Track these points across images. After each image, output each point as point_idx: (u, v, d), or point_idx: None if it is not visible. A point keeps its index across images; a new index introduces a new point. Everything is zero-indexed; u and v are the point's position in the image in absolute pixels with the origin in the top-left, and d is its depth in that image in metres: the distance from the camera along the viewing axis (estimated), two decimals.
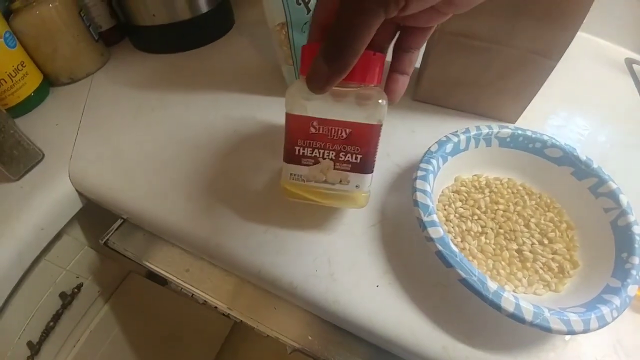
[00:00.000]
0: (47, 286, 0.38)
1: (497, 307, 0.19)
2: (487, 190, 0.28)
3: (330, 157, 0.23)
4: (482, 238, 0.25)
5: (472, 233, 0.25)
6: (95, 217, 0.36)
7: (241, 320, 0.28)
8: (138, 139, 0.34)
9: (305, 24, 0.30)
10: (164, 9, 0.44)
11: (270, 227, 0.26)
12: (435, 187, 0.27)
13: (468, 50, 0.30)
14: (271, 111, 0.36)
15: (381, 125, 0.22)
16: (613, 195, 0.24)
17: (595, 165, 0.26)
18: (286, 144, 0.24)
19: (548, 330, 0.18)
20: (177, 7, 0.44)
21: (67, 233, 0.39)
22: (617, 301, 0.20)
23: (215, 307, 0.29)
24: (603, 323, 0.19)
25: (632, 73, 0.47)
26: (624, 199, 0.24)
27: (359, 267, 0.24)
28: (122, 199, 0.30)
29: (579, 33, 0.26)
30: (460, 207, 0.27)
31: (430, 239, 0.21)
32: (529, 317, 0.19)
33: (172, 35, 0.46)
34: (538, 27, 0.27)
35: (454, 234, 0.25)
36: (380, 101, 0.21)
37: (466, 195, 0.27)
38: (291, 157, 0.24)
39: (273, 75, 0.39)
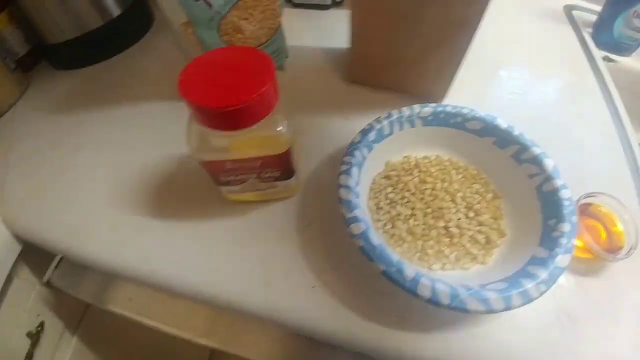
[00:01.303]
0: (12, 329, 0.37)
1: (415, 295, 0.19)
2: (416, 171, 0.28)
3: (253, 176, 0.24)
4: (411, 221, 0.25)
5: (401, 217, 0.25)
6: (39, 254, 0.35)
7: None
8: (64, 169, 0.32)
9: (211, 19, 0.28)
10: (72, 21, 0.40)
11: (202, 245, 0.26)
12: (366, 177, 0.26)
13: (387, 26, 0.29)
14: None
15: (289, 150, 0.22)
16: (536, 161, 0.25)
17: (516, 133, 0.26)
18: (209, 175, 0.24)
19: (466, 311, 0.19)
20: (85, 16, 0.40)
21: (17, 276, 0.37)
22: (543, 274, 0.20)
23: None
24: (527, 299, 0.19)
25: (572, 20, 0.47)
26: (549, 163, 0.24)
27: (295, 272, 0.24)
28: (49, 237, 0.28)
29: None
30: (391, 192, 0.27)
31: (353, 236, 0.21)
32: (445, 300, 0.19)
33: (87, 47, 0.42)
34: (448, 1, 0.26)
35: (384, 221, 0.25)
36: (280, 130, 0.21)
37: (396, 179, 0.27)
38: (219, 183, 0.25)
39: None
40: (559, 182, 0.23)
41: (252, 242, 0.26)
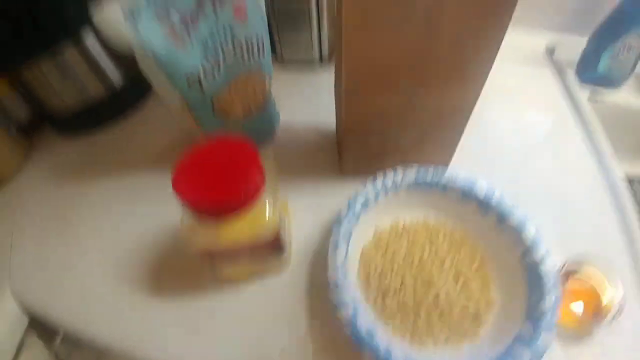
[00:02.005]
0: None
1: None
2: (404, 237, 0.28)
3: (246, 258, 0.25)
4: (401, 294, 0.25)
5: (391, 290, 0.26)
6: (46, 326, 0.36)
7: None
8: (67, 243, 0.33)
9: (204, 101, 0.30)
10: (75, 93, 0.42)
11: (198, 326, 0.26)
12: (355, 247, 0.27)
13: (378, 125, 0.28)
14: None
15: (277, 232, 0.23)
16: (517, 229, 0.25)
17: (496, 199, 0.27)
18: (202, 259, 0.25)
19: None
20: (89, 88, 0.42)
21: (26, 347, 0.38)
22: (527, 355, 0.20)
23: None
24: None
25: (554, 61, 0.48)
26: (529, 232, 0.25)
27: (291, 351, 0.25)
28: (53, 314, 0.29)
29: None
30: (380, 260, 0.27)
31: (341, 321, 0.22)
32: None
33: (90, 116, 0.44)
34: (442, 92, 0.25)
35: (375, 295, 0.26)
36: (267, 217, 0.22)
37: (385, 247, 0.28)
38: (212, 264, 0.26)
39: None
40: (541, 253, 0.24)
41: (247, 321, 0.26)
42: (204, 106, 0.30)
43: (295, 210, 0.32)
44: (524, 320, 0.22)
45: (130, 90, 0.45)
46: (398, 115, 0.27)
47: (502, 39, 0.21)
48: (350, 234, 0.26)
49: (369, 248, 0.28)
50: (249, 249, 0.24)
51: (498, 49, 0.22)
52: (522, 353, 0.20)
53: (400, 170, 0.29)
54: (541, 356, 0.20)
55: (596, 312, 0.25)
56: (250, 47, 0.29)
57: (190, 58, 0.27)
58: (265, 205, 0.22)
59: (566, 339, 0.25)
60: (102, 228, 0.34)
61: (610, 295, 0.25)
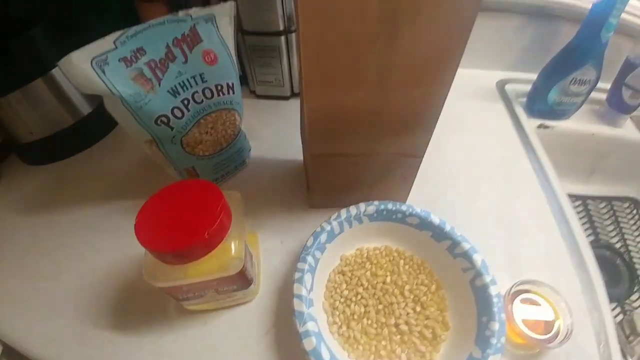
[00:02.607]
0: None
1: None
2: (368, 264, 0.30)
3: (211, 291, 0.25)
4: (365, 320, 0.27)
5: (355, 317, 0.27)
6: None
7: None
8: (34, 275, 0.32)
9: (174, 137, 0.31)
10: (43, 122, 0.42)
11: (164, 355, 0.26)
12: (321, 274, 0.29)
13: (341, 165, 0.30)
14: None
15: (242, 269, 0.24)
16: (467, 256, 0.28)
17: (448, 228, 0.29)
18: (168, 295, 0.25)
19: None
20: (56, 117, 0.42)
21: None
22: None
23: None
24: None
25: (504, 95, 0.53)
26: (477, 258, 0.27)
27: None
28: (23, 343, 0.28)
29: None
30: (345, 288, 0.29)
31: (305, 352, 0.23)
32: None
33: (57, 145, 0.44)
34: (397, 139, 0.28)
35: (340, 323, 0.27)
36: (233, 256, 0.23)
37: (350, 274, 0.30)
38: (178, 300, 0.26)
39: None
40: (487, 278, 0.26)
41: (212, 354, 0.26)
42: (173, 143, 0.31)
43: (264, 240, 0.33)
44: (473, 344, 0.24)
45: (98, 120, 0.46)
46: (356, 159, 0.30)
47: (446, 95, 0.24)
48: (315, 267, 0.28)
49: (334, 275, 0.30)
50: (214, 285, 0.24)
51: (443, 103, 0.24)
52: None
53: (363, 205, 0.31)
54: None
55: (546, 332, 0.27)
56: (220, 88, 0.31)
57: (159, 101, 0.28)
58: (231, 243, 0.23)
59: (514, 356, 0.27)
60: (67, 261, 0.33)
61: (559, 315, 0.27)
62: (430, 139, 0.28)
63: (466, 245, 0.28)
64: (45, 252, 0.34)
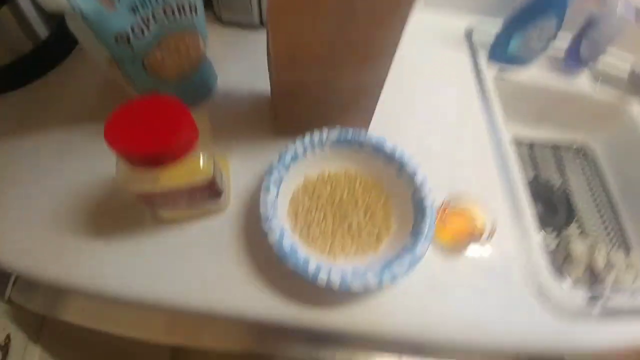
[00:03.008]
0: None
1: (316, 284, 0.26)
2: (329, 183, 0.34)
3: (184, 201, 0.28)
4: (323, 224, 0.32)
5: (315, 221, 0.32)
6: None
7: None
8: (5, 200, 0.34)
9: (135, 58, 0.31)
10: (4, 50, 0.41)
11: (143, 258, 0.30)
12: (286, 191, 0.33)
13: (305, 94, 0.32)
14: None
15: (212, 179, 0.26)
16: (411, 177, 0.32)
17: (397, 154, 0.33)
18: (142, 202, 0.28)
19: (351, 290, 0.26)
20: (18, 44, 0.41)
21: None
22: (407, 259, 0.28)
23: None
24: (395, 280, 0.27)
25: (470, 43, 0.55)
26: (418, 178, 0.32)
27: (227, 273, 0.30)
28: (4, 260, 0.31)
29: (418, 15, 0.29)
30: (307, 201, 0.33)
31: (269, 243, 0.28)
32: (336, 286, 0.26)
33: (18, 71, 0.41)
34: (358, 69, 0.30)
35: (301, 226, 0.32)
36: (202, 164, 0.25)
37: (312, 190, 0.34)
38: (152, 208, 0.29)
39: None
40: (424, 192, 0.31)
41: (188, 252, 0.31)
42: (134, 64, 0.31)
43: (234, 164, 0.36)
44: (409, 237, 0.30)
45: (56, 43, 0.43)
46: (319, 87, 0.32)
47: (403, 30, 0.26)
48: (280, 181, 0.32)
49: (298, 192, 0.34)
50: (186, 193, 0.27)
51: (399, 39, 0.26)
52: (405, 256, 0.28)
53: (325, 130, 0.34)
54: (419, 259, 0.28)
55: (470, 233, 0.33)
56: (181, 8, 0.30)
57: (119, 18, 0.27)
58: (199, 156, 0.25)
59: (445, 254, 0.33)
60: (37, 184, 0.34)
61: (483, 220, 0.33)
62: (388, 70, 0.30)
63: (410, 168, 0.32)
64: (12, 178, 0.35)
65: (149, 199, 0.27)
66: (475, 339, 0.30)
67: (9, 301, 0.36)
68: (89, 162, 0.35)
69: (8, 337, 0.44)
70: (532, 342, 0.31)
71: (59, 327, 0.52)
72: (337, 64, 0.29)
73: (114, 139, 0.22)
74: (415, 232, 0.30)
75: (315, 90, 0.32)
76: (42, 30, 0.42)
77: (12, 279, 0.36)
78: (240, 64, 0.44)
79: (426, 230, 0.29)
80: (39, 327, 0.50)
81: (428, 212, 0.30)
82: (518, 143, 0.61)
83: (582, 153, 0.62)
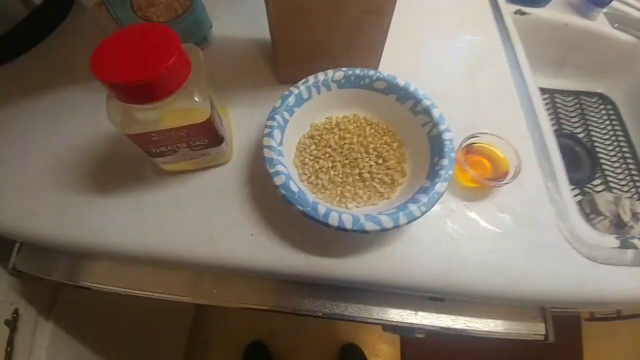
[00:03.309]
0: None
1: (327, 225, 0.24)
2: (336, 129, 0.32)
3: (183, 146, 0.26)
4: (332, 172, 0.30)
5: (323, 169, 0.30)
6: (1, 244, 0.36)
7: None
8: (2, 162, 0.33)
9: None
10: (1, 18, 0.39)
11: (147, 212, 0.29)
12: (292, 137, 0.30)
13: (306, 26, 0.30)
14: None
15: (209, 119, 0.24)
16: (427, 111, 0.29)
17: (412, 89, 0.30)
18: (141, 148, 0.26)
19: (365, 232, 0.24)
20: (11, 11, 0.39)
21: None
22: (424, 198, 0.25)
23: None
24: (411, 217, 0.24)
25: None
26: (435, 112, 0.29)
27: (235, 224, 0.28)
28: (3, 225, 0.30)
29: None
30: (315, 149, 0.31)
31: (276, 187, 0.26)
32: (349, 226, 0.24)
33: (15, 40, 0.41)
34: None
35: (309, 174, 0.30)
36: (196, 101, 0.23)
37: (319, 138, 0.31)
38: (152, 155, 0.27)
39: None
40: (442, 127, 0.28)
41: (194, 204, 0.29)
42: (123, 5, 0.29)
43: (236, 114, 0.34)
44: (425, 178, 0.27)
45: (50, 8, 0.42)
46: (322, 17, 0.29)
47: None
48: (285, 124, 0.29)
49: (304, 139, 0.31)
50: (184, 136, 0.25)
51: None
52: (420, 198, 0.25)
53: (331, 71, 0.31)
54: (436, 200, 0.25)
55: (495, 175, 0.31)
56: None
57: None
58: (194, 90, 0.23)
59: (467, 197, 0.30)
60: (35, 144, 0.33)
61: (507, 161, 0.30)
62: None
63: (427, 102, 0.30)
64: (11, 139, 0.34)
65: (145, 143, 0.25)
66: (499, 285, 0.28)
67: (14, 270, 0.35)
68: (87, 119, 0.33)
69: (16, 312, 0.43)
70: (563, 288, 0.28)
71: (72, 302, 0.51)
72: None
73: (100, 69, 0.20)
74: (433, 171, 0.27)
75: (317, 20, 0.29)
76: None
77: (16, 246, 0.35)
78: (236, 11, 0.41)
79: (444, 168, 0.27)
80: (51, 301, 0.49)
81: (446, 148, 0.27)
82: (541, 93, 0.57)
83: (605, 101, 0.58)
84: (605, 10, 0.52)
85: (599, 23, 0.52)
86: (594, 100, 0.59)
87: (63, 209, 0.29)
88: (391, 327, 0.32)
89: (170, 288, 0.32)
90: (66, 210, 0.29)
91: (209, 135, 0.26)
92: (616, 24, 0.52)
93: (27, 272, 0.35)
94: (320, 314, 0.30)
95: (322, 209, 0.25)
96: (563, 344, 0.75)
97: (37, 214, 0.29)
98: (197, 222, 0.28)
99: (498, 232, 0.29)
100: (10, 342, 0.42)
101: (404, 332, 0.33)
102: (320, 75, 0.31)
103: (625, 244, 0.31)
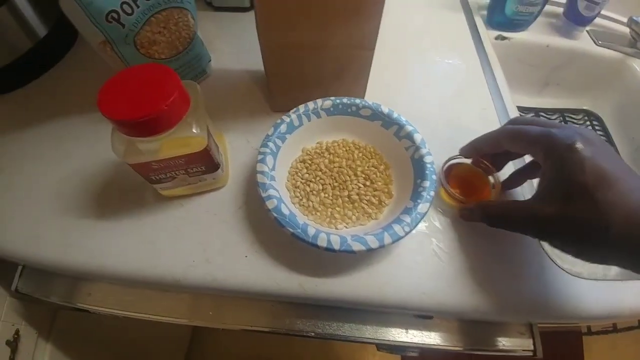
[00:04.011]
0: None
1: (316, 246, 0.26)
2: (326, 153, 0.34)
3: (182, 173, 0.28)
4: (322, 194, 0.31)
5: (314, 192, 0.31)
6: (4, 266, 0.37)
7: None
8: (7, 187, 0.34)
9: (127, 36, 0.31)
10: (4, 49, 0.42)
11: (145, 236, 0.30)
12: (284, 162, 0.32)
13: (296, 59, 0.32)
14: None
15: (206, 147, 0.26)
16: (409, 136, 0.32)
17: (395, 115, 0.33)
18: (141, 175, 0.28)
19: (352, 252, 0.25)
20: (16, 42, 0.42)
21: None
22: (407, 219, 0.27)
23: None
24: (396, 237, 0.26)
25: (466, 6, 0.54)
26: (417, 137, 0.31)
27: (230, 246, 0.30)
28: (8, 248, 0.31)
29: None
30: (306, 173, 0.33)
31: (268, 210, 0.27)
32: (337, 246, 0.25)
33: (17, 71, 0.42)
34: (346, 27, 0.29)
35: (300, 197, 0.31)
36: (194, 132, 0.25)
37: (310, 162, 0.33)
38: (152, 182, 0.29)
39: None
40: (424, 151, 0.30)
41: (190, 228, 0.30)
42: (126, 43, 0.31)
43: (231, 141, 0.36)
44: (408, 199, 0.29)
45: (55, 40, 0.45)
46: (310, 52, 0.31)
47: None
48: (278, 150, 0.31)
49: (296, 163, 0.33)
50: (182, 164, 0.27)
51: None
52: (404, 219, 0.27)
53: (320, 100, 0.33)
54: (419, 220, 0.27)
55: (477, 192, 0.32)
56: None
57: None
58: (192, 122, 0.25)
59: (451, 216, 0.32)
60: (40, 170, 0.35)
61: (489, 181, 0.32)
62: (377, 30, 0.30)
63: (409, 128, 0.32)
64: (15, 166, 0.35)
65: (145, 171, 0.27)
66: (485, 302, 0.29)
67: (17, 292, 0.36)
68: (91, 147, 0.35)
69: (17, 333, 0.44)
70: (549, 304, 0.29)
71: (71, 324, 0.52)
72: (327, 20, 0.28)
73: (106, 107, 0.22)
74: (415, 192, 0.29)
75: (305, 54, 0.32)
76: (40, 29, 0.43)
77: (19, 269, 0.36)
78: (233, 45, 0.44)
79: (426, 189, 0.28)
80: (51, 323, 0.50)
81: (427, 171, 0.29)
82: (523, 111, 0.59)
83: (591, 117, 0.60)
84: (588, 28, 0.53)
85: (582, 41, 0.53)
86: (579, 117, 0.61)
87: (66, 232, 0.31)
88: (385, 346, 0.33)
89: (166, 310, 0.33)
90: (69, 234, 0.31)
91: (206, 162, 0.28)
92: (600, 41, 0.54)
93: (29, 295, 0.36)
94: (312, 334, 0.31)
95: (311, 231, 0.26)
96: (565, 358, 0.74)
97: (40, 238, 0.31)
98: (193, 245, 0.30)
99: (482, 250, 0.31)
100: None
101: (398, 351, 0.33)
102: (310, 104, 0.33)
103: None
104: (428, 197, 0.28)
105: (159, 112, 0.22)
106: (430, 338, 0.31)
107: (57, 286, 0.35)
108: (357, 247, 0.25)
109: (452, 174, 0.33)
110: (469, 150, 0.31)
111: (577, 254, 0.23)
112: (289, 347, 0.88)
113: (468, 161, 0.33)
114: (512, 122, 0.29)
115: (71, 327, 0.51)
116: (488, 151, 0.30)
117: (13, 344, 0.43)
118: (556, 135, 0.23)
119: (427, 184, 0.28)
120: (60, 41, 0.46)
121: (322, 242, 0.26)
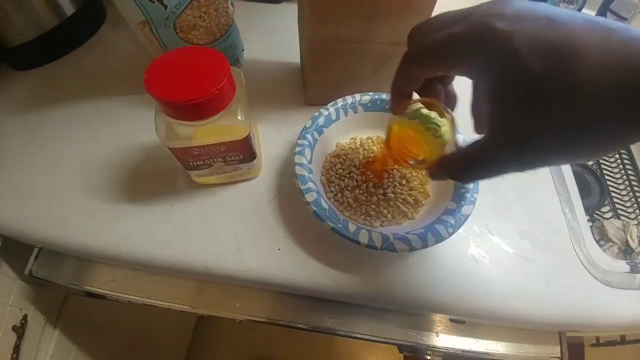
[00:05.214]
0: None
1: (357, 242, 0.25)
2: (361, 149, 0.33)
3: (219, 160, 0.27)
4: (357, 190, 0.31)
5: (349, 188, 0.31)
6: (16, 249, 0.36)
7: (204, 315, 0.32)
8: (35, 165, 0.33)
9: (167, 19, 0.30)
10: (30, 23, 0.41)
11: (177, 222, 0.29)
12: (319, 156, 0.32)
13: (338, 53, 0.31)
14: None
15: (248, 136, 0.26)
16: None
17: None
18: (179, 161, 0.27)
19: (394, 250, 0.25)
20: (42, 18, 0.41)
21: None
22: (451, 220, 0.26)
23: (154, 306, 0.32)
24: (439, 239, 0.25)
25: None
26: (459, 137, 0.31)
27: (263, 238, 0.29)
28: (28, 230, 0.30)
29: None
30: (340, 168, 0.32)
31: (307, 203, 0.26)
32: (379, 244, 0.25)
33: (45, 47, 0.42)
34: (393, 23, 0.29)
35: (335, 192, 0.31)
36: (239, 119, 0.24)
37: (344, 157, 0.33)
38: (188, 168, 0.28)
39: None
40: None
41: (223, 217, 0.30)
42: (166, 26, 0.31)
43: (264, 132, 0.35)
44: (450, 200, 0.28)
45: (82, 20, 0.45)
46: (355, 45, 0.31)
47: None
48: (315, 143, 0.31)
49: (330, 157, 0.33)
50: (222, 152, 0.26)
51: None
52: (447, 220, 0.26)
53: (359, 95, 0.33)
54: (462, 223, 0.26)
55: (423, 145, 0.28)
56: None
57: None
58: (237, 108, 0.25)
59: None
60: (69, 150, 0.34)
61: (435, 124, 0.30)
62: None
63: None
64: (43, 144, 0.34)
65: (185, 156, 0.26)
66: (519, 308, 0.28)
67: (30, 276, 0.35)
68: (120, 130, 0.35)
69: (25, 318, 0.43)
70: (580, 312, 0.29)
71: (80, 311, 0.51)
72: (376, 14, 0.28)
73: (154, 87, 0.21)
74: (458, 194, 0.28)
75: (348, 49, 0.31)
76: (68, 7, 0.43)
77: (35, 252, 0.35)
78: (265, 36, 0.43)
79: (470, 191, 0.28)
80: (59, 309, 0.49)
81: None
82: None
83: None
84: None
85: None
86: None
87: (96, 217, 0.30)
88: (408, 348, 0.32)
89: (175, 297, 0.32)
90: (96, 217, 0.30)
91: (244, 151, 0.28)
92: None
93: (44, 278, 0.35)
94: (341, 332, 0.30)
95: (352, 227, 0.25)
96: None
97: (68, 221, 0.30)
98: (225, 235, 0.29)
99: (519, 256, 0.30)
100: (17, 349, 0.41)
101: (421, 354, 0.33)
102: (349, 98, 0.33)
103: (635, 269, 0.32)
104: (472, 198, 0.27)
105: (209, 95, 0.22)
106: (461, 343, 0.30)
107: (74, 270, 0.34)
108: (399, 246, 0.25)
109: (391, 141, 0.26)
110: (393, 101, 0.25)
111: (579, 157, 0.16)
112: (290, 348, 0.87)
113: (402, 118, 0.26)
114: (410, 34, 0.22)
115: (79, 314, 0.50)
116: (408, 89, 0.24)
117: (20, 330, 0.42)
118: (465, 34, 0.17)
119: (470, 185, 0.28)
120: (86, 23, 0.46)
121: (363, 238, 0.25)
